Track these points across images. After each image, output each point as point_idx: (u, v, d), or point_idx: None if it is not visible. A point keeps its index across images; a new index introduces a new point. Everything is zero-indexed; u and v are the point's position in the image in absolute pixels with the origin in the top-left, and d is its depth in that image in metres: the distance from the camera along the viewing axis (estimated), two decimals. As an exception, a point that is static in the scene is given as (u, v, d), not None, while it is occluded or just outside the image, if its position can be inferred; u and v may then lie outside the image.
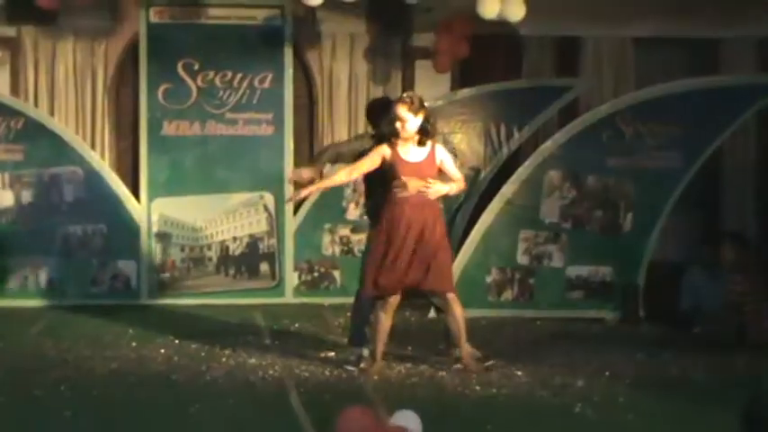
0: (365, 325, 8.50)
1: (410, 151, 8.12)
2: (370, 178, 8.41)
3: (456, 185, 8.29)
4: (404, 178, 8.05)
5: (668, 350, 9.11)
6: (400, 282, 8.08)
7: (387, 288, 8.11)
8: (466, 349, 8.26)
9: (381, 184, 8.20)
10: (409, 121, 8.05)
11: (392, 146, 8.10)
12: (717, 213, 11.93)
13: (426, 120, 8.12)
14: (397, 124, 8.07)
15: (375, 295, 8.18)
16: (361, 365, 8.19)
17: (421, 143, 8.13)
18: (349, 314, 9.22)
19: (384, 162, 8.10)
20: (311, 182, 8.78)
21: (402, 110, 8.06)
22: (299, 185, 9.07)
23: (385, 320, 8.20)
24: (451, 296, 8.23)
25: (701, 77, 10.95)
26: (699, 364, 8.61)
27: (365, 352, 8.37)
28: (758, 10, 11.13)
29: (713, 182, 11.78)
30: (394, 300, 8.19)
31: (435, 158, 8.18)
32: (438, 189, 8.15)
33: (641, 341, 9.62)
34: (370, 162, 8.15)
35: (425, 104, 8.23)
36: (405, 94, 8.35)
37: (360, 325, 8.56)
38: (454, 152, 10.63)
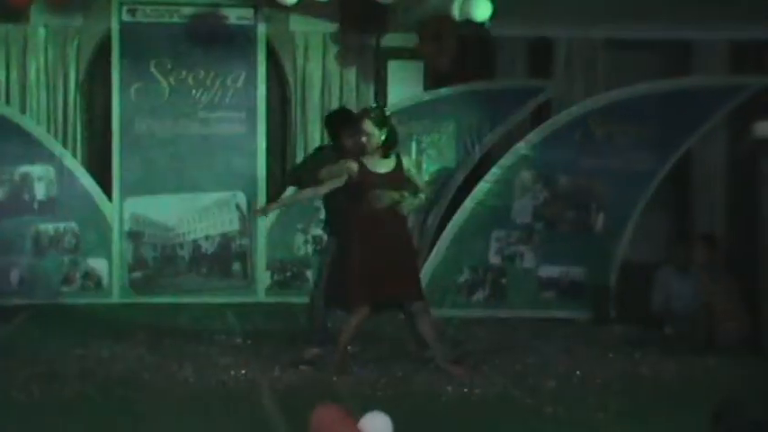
0: (325, 324, 8.52)
1: (378, 163, 8.09)
2: (331, 192, 8.37)
3: (423, 194, 8.40)
4: (377, 191, 8.06)
5: (639, 350, 9.14)
6: (379, 293, 8.09)
7: (369, 299, 8.13)
8: (441, 352, 8.29)
9: (346, 197, 8.19)
10: (374, 136, 8.04)
11: (358, 160, 8.08)
12: (687, 214, 11.98)
13: (391, 132, 8.13)
14: (363, 139, 8.05)
15: (357, 306, 8.17)
16: (329, 366, 8.23)
17: (386, 155, 8.14)
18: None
19: (351, 176, 8.09)
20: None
21: (367, 124, 8.04)
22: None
23: (356, 326, 8.19)
24: (423, 304, 8.25)
25: (673, 79, 11.01)
26: (669, 364, 8.65)
27: (319, 351, 8.41)
28: (729, 12, 11.18)
29: (684, 183, 11.84)
30: (367, 309, 8.20)
31: (403, 168, 8.19)
32: (412, 203, 8.20)
33: (612, 341, 9.66)
34: (338, 179, 8.09)
35: (388, 117, 8.25)
36: (368, 109, 8.37)
37: (320, 325, 8.56)
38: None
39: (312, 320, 8.67)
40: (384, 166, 8.10)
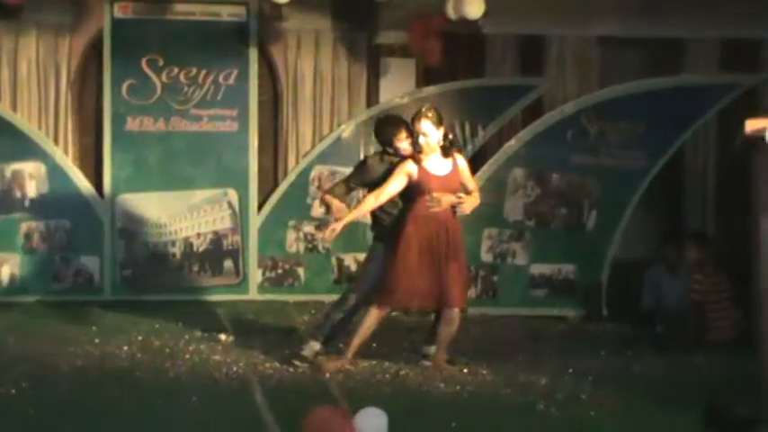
0: (339, 326, 8.48)
1: (436, 165, 8.07)
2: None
3: (477, 194, 8.32)
4: (436, 194, 8.03)
5: (630, 348, 9.16)
6: (426, 298, 8.12)
7: (416, 302, 8.16)
8: (441, 357, 8.29)
9: (402, 199, 8.14)
10: (432, 135, 8.02)
11: (417, 161, 8.05)
12: (679, 212, 11.98)
13: (447, 132, 8.12)
14: (421, 139, 8.02)
15: (402, 308, 8.20)
16: (315, 361, 8.23)
17: (445, 155, 8.11)
18: (313, 311, 9.24)
19: (410, 179, 8.06)
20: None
21: (425, 124, 8.01)
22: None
23: (376, 323, 8.18)
24: (459, 311, 8.23)
25: (665, 77, 11.01)
26: (660, 362, 8.67)
27: (321, 349, 8.38)
28: (722, 10, 11.19)
29: (676, 180, 11.84)
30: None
31: (459, 169, 8.17)
32: (471, 205, 8.18)
33: (604, 339, 9.67)
34: (398, 182, 8.05)
35: (442, 117, 8.20)
36: (424, 109, 8.13)
37: (334, 324, 8.49)
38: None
39: (328, 318, 8.60)
40: (442, 168, 8.09)
